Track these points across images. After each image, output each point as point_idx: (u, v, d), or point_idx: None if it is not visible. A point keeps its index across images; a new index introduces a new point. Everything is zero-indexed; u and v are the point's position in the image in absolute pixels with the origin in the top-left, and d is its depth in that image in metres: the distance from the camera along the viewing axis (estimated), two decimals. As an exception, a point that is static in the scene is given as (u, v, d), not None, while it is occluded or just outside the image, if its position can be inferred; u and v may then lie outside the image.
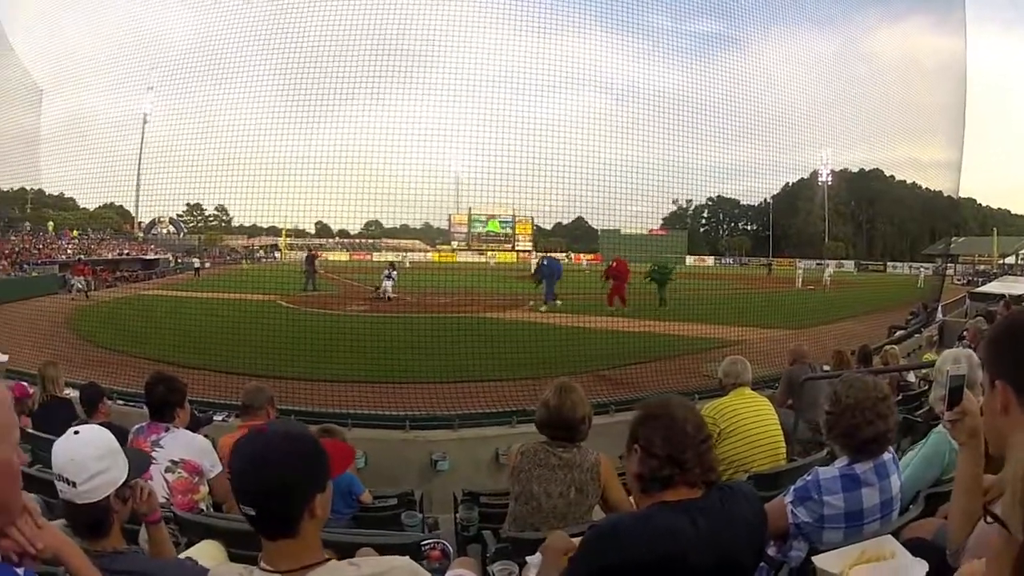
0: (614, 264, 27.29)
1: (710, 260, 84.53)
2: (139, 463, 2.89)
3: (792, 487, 3.67)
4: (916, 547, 3.01)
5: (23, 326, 19.12)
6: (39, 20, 22.68)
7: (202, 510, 4.67)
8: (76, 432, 2.56)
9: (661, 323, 18.31)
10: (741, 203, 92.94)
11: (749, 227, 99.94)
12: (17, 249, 38.81)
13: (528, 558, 3.56)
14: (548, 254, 34.03)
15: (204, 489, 4.84)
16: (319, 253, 38.16)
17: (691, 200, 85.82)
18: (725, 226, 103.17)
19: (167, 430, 4.87)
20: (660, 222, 71.63)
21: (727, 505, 2.68)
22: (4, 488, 1.75)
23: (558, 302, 25.29)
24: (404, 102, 17.85)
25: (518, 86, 17.03)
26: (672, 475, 2.64)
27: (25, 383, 8.25)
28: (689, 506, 2.59)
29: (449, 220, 75.65)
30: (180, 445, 4.77)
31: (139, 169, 23.59)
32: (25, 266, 36.52)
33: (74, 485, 2.45)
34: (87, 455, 2.50)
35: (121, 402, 9.69)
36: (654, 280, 28.71)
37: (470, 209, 70.77)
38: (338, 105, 18.54)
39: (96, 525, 2.54)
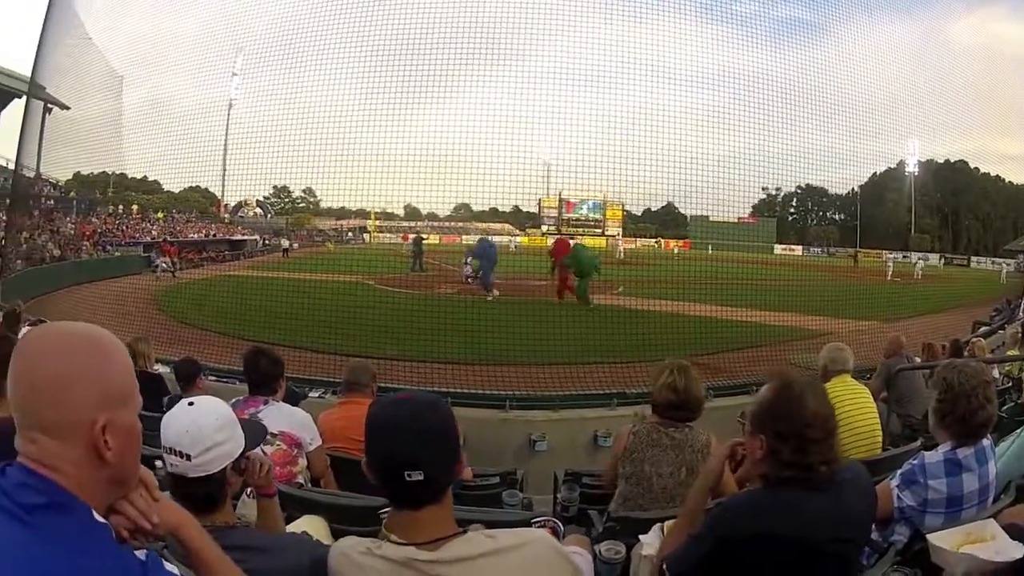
0: (555, 246, 24.65)
1: (798, 249, 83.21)
2: (255, 434, 2.89)
3: (898, 471, 3.73)
4: (1012, 532, 3.10)
5: (109, 305, 19.83)
6: (117, 10, 23.30)
7: (300, 484, 4.77)
8: (191, 403, 2.56)
9: (750, 312, 18.10)
10: (829, 192, 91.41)
11: (837, 217, 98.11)
12: (99, 231, 39.95)
13: (641, 537, 3.60)
14: (486, 236, 31.40)
15: (302, 462, 4.92)
16: (427, 236, 38.59)
17: (780, 188, 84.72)
18: (813, 215, 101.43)
19: (266, 403, 4.96)
20: (750, 209, 70.85)
21: (845, 487, 2.75)
22: (130, 455, 1.71)
23: (490, 296, 23.04)
24: (495, 88, 17.99)
25: (608, 73, 17.17)
26: (796, 467, 2.68)
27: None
28: (809, 486, 2.65)
29: (539, 204, 75.67)
30: (280, 418, 4.84)
31: (225, 152, 24.20)
32: (108, 247, 37.68)
33: (188, 458, 2.44)
34: (205, 426, 2.50)
35: (213, 378, 9.98)
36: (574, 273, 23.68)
37: (560, 193, 70.76)
38: (430, 91, 18.89)
39: (208, 498, 2.53)
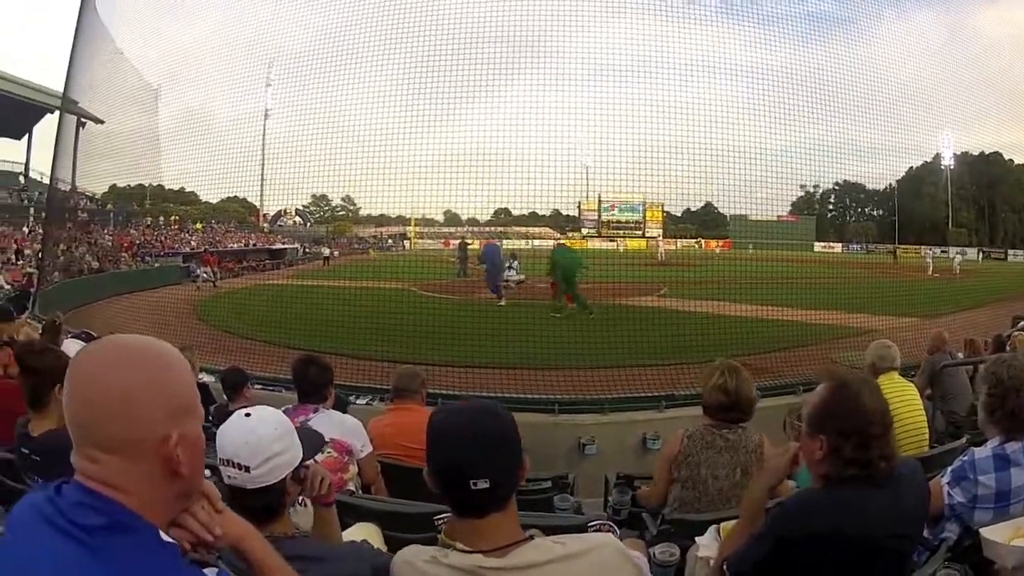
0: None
1: (838, 247, 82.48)
2: (312, 443, 2.85)
3: (949, 468, 3.76)
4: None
5: (150, 314, 20.08)
6: (147, 24, 23.67)
7: (351, 491, 4.80)
8: (247, 414, 2.54)
9: (792, 311, 18.02)
10: (867, 188, 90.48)
11: (875, 212, 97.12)
12: (137, 242, 40.49)
13: (698, 539, 3.64)
14: (489, 241, 30.37)
15: (353, 469, 4.96)
16: (472, 241, 38.76)
17: (818, 185, 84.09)
18: (852, 212, 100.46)
19: (316, 411, 5.04)
20: (789, 208, 70.38)
21: (902, 483, 2.79)
22: (198, 468, 1.68)
23: (503, 301, 22.63)
24: (532, 91, 18.03)
25: (644, 73, 17.06)
26: (857, 464, 2.71)
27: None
28: (870, 483, 2.69)
29: (578, 207, 75.46)
30: (330, 425, 4.85)
31: (263, 162, 24.47)
32: (147, 258, 38.19)
33: (247, 470, 2.42)
34: (264, 437, 2.48)
35: (259, 386, 10.09)
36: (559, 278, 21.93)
37: (599, 195, 70.66)
38: (467, 96, 18.93)
39: (267, 509, 2.51)
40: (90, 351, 1.65)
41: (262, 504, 2.49)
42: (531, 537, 2.22)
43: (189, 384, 1.69)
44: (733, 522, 3.45)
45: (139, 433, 1.55)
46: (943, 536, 3.58)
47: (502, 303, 22.42)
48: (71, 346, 4.93)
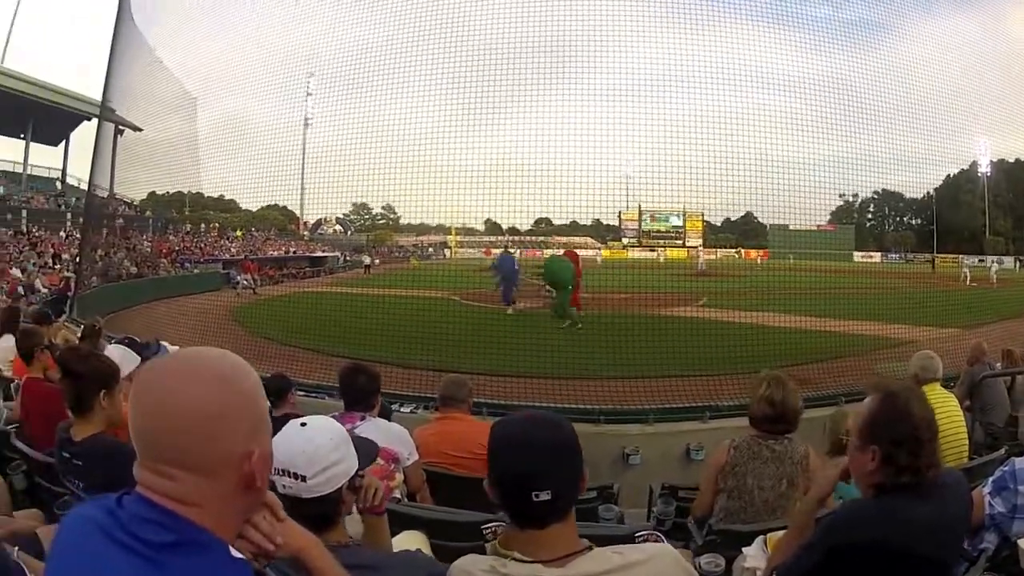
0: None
1: (877, 256, 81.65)
2: (367, 452, 2.86)
3: (990, 478, 3.79)
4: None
5: (190, 320, 20.33)
6: (186, 34, 23.97)
7: (397, 499, 4.77)
8: (303, 424, 2.52)
9: (831, 321, 17.94)
10: (905, 196, 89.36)
11: (913, 221, 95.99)
12: (176, 248, 41.00)
13: (745, 550, 3.67)
14: (506, 250, 30.25)
15: (400, 477, 4.95)
16: (515, 251, 38.96)
17: (857, 194, 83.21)
18: (890, 220, 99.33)
19: (363, 419, 5.07)
20: (828, 217, 69.82)
21: (948, 493, 2.83)
22: (264, 481, 1.64)
23: (510, 309, 23.21)
24: (573, 101, 18.12)
25: (683, 82, 17.06)
26: (910, 471, 2.74)
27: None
28: (918, 493, 2.73)
29: (619, 217, 75.39)
30: (377, 433, 4.70)
31: (303, 171, 24.69)
32: (186, 264, 38.76)
33: (304, 479, 2.40)
34: (321, 446, 2.47)
35: (301, 393, 10.14)
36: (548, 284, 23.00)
37: (640, 205, 70.57)
38: (507, 105, 18.99)
39: (323, 519, 2.47)
40: (168, 365, 1.61)
41: (318, 513, 2.45)
42: (590, 547, 2.22)
43: (264, 397, 1.69)
44: (780, 533, 3.49)
45: (224, 451, 1.54)
46: (982, 547, 3.62)
47: (509, 311, 22.77)
48: (114, 352, 5.03)
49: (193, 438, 1.50)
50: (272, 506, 1.79)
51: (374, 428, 4.98)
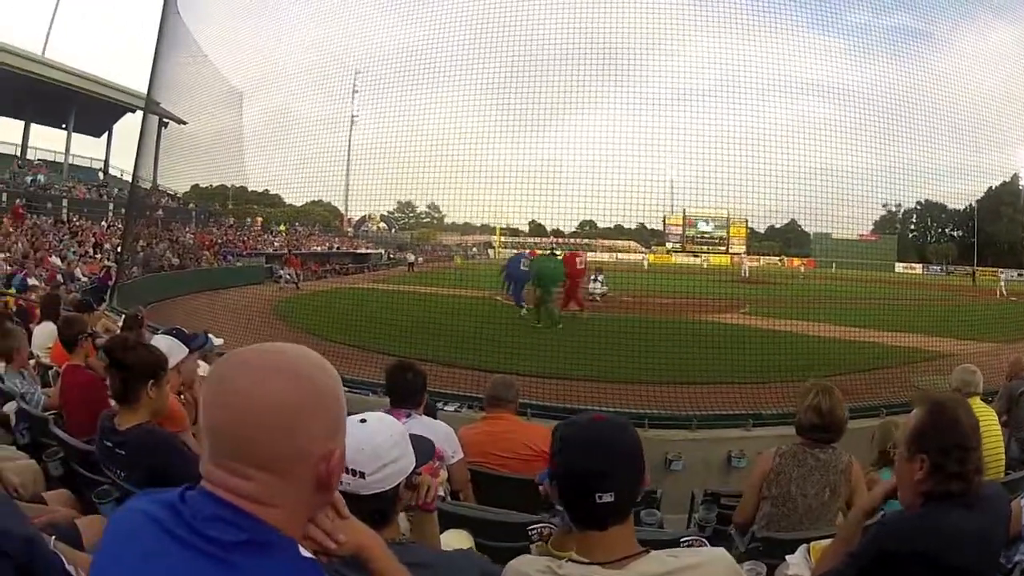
0: (564, 260, 23.94)
1: (918, 267, 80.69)
2: (424, 449, 2.83)
3: None
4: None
5: (233, 312, 20.43)
6: (232, 29, 24.22)
7: (442, 496, 4.74)
8: (362, 420, 2.51)
9: (871, 332, 17.80)
10: (947, 208, 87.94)
11: (955, 233, 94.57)
12: (219, 241, 41.41)
13: (788, 557, 3.71)
14: (518, 251, 30.28)
15: (444, 474, 4.97)
16: (559, 253, 39.02)
17: (900, 204, 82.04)
18: (932, 232, 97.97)
19: (408, 416, 5.07)
20: (871, 227, 69.04)
21: (988, 507, 2.85)
22: (338, 481, 1.64)
23: (523, 310, 23.19)
24: (619, 104, 18.13)
25: (728, 88, 17.05)
26: (959, 478, 2.78)
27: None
28: (962, 505, 2.76)
29: (663, 221, 75.03)
30: (423, 431, 4.60)
31: (348, 168, 24.84)
32: (229, 257, 39.08)
33: (362, 476, 2.40)
34: (381, 444, 2.48)
35: (344, 388, 10.25)
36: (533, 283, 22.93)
37: (684, 210, 70.19)
38: (553, 107, 19.02)
39: (380, 516, 2.46)
40: (249, 360, 1.55)
41: (374, 510, 2.43)
42: (646, 550, 2.25)
43: (343, 396, 1.65)
44: (824, 542, 3.55)
45: (304, 450, 1.51)
46: (1017, 559, 3.65)
47: (523, 312, 23.00)
48: (162, 342, 5.05)
49: (274, 437, 1.48)
50: (335, 503, 1.76)
51: (420, 426, 5.01)
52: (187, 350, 5.23)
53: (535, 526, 3.68)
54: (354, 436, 2.31)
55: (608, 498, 2.16)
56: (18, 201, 40.81)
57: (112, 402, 4.37)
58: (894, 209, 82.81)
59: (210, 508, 1.46)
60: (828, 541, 3.55)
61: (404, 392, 5.32)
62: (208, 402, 1.52)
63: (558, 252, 25.27)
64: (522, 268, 23.85)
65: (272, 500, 1.48)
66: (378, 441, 2.49)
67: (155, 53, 23.87)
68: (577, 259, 25.03)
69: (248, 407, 1.47)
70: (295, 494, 1.52)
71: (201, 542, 1.41)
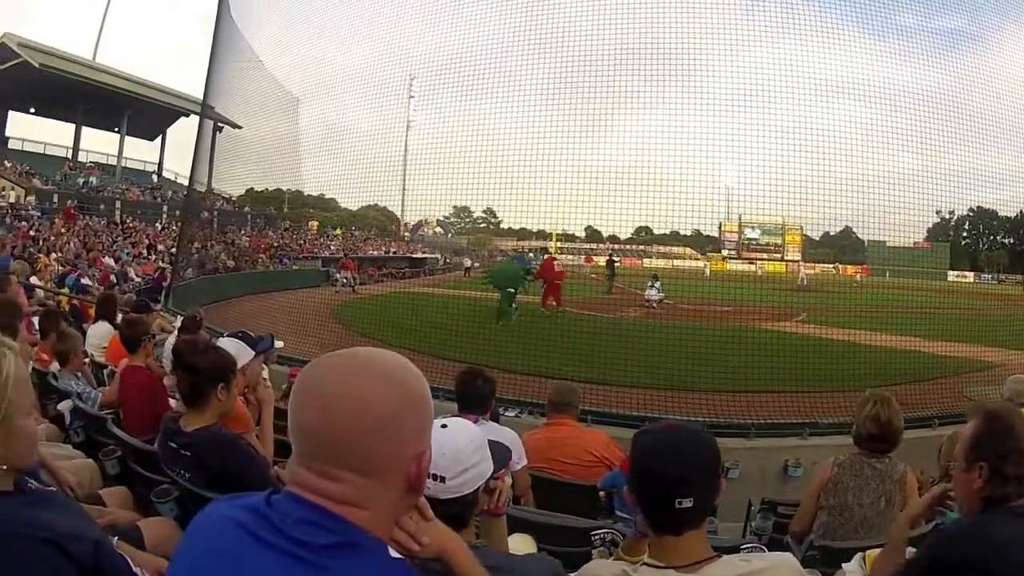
0: (543, 264, 25.78)
1: (970, 276, 79.14)
2: (501, 454, 2.88)
3: None
4: None
5: (289, 316, 20.76)
6: (286, 34, 24.56)
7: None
8: (444, 425, 2.50)
9: (923, 341, 17.63)
10: (999, 214, 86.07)
11: (1006, 241, 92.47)
12: (275, 244, 41.89)
13: (844, 566, 3.78)
14: (519, 251, 30.31)
15: (508, 480, 5.05)
16: (619, 259, 38.91)
17: (953, 211, 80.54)
18: (984, 239, 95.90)
19: (476, 421, 4.96)
20: (924, 234, 68.00)
21: None
22: (424, 483, 1.67)
23: (514, 314, 23.01)
24: (675, 110, 18.15)
25: (781, 94, 17.01)
26: (1019, 481, 2.85)
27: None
28: (1013, 513, 2.81)
29: (719, 228, 74.45)
30: (492, 436, 4.85)
31: (404, 173, 25.12)
32: (285, 260, 39.55)
33: (443, 480, 2.43)
34: (462, 448, 2.52)
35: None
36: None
37: (740, 217, 69.60)
38: (610, 113, 19.13)
39: (457, 519, 2.45)
40: (342, 363, 1.59)
41: (453, 514, 2.40)
42: (719, 555, 2.35)
43: (431, 399, 1.69)
44: (880, 551, 3.68)
45: (395, 453, 1.55)
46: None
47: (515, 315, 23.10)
48: (229, 344, 5.16)
49: (372, 439, 1.51)
50: (420, 506, 1.81)
51: (489, 431, 4.86)
52: (253, 353, 5.35)
53: (599, 531, 3.84)
54: (436, 440, 2.25)
55: (688, 503, 2.27)
56: (70, 202, 41.72)
57: (172, 402, 4.55)
58: (947, 216, 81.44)
59: (298, 511, 1.49)
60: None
61: (474, 398, 5.44)
62: (300, 405, 1.55)
63: (531, 254, 25.62)
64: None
65: (362, 502, 1.51)
66: (460, 445, 2.53)
67: (210, 59, 24.38)
68: (555, 263, 26.32)
69: (346, 410, 1.50)
70: (386, 496, 1.56)
71: (290, 545, 1.44)
